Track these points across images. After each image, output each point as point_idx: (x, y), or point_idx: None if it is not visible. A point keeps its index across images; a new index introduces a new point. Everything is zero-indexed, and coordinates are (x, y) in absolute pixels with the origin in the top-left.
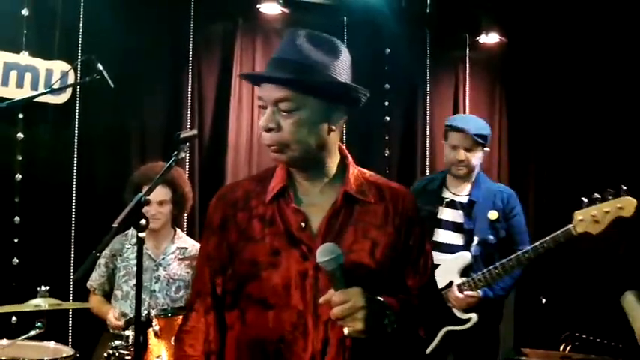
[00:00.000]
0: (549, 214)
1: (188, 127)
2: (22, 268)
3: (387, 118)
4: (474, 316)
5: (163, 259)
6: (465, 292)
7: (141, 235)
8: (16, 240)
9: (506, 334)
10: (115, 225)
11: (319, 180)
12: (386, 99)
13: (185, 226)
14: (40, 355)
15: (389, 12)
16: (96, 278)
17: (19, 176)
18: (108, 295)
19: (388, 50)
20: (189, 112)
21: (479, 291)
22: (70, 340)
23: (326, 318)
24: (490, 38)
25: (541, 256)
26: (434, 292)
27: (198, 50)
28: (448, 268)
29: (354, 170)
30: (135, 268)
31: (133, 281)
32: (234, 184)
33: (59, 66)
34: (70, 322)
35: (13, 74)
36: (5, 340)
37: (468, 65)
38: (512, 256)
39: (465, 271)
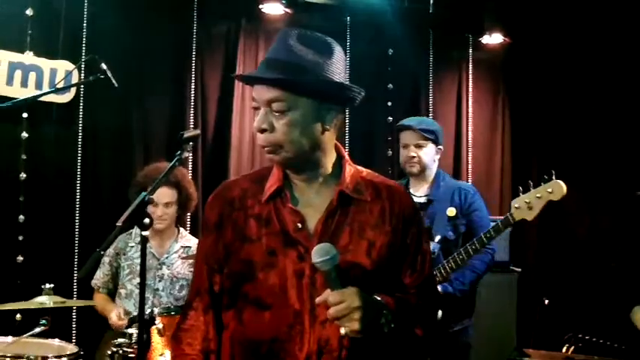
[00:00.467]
0: (553, 214)
1: (191, 126)
2: (27, 265)
3: (390, 118)
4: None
5: (167, 257)
6: None
7: (144, 233)
8: (20, 238)
9: (508, 335)
10: (119, 224)
11: (315, 180)
12: (389, 99)
13: (188, 225)
14: (44, 353)
15: (392, 12)
16: (100, 277)
17: (23, 175)
18: (112, 294)
19: (391, 50)
20: (192, 112)
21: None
22: (74, 337)
23: (323, 318)
24: (493, 38)
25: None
26: (432, 290)
27: (202, 50)
28: None
29: (350, 169)
30: (139, 267)
31: (137, 280)
32: (231, 183)
33: (63, 65)
34: (74, 320)
35: (18, 74)
36: (10, 337)
37: (471, 66)
38: (460, 249)
39: None
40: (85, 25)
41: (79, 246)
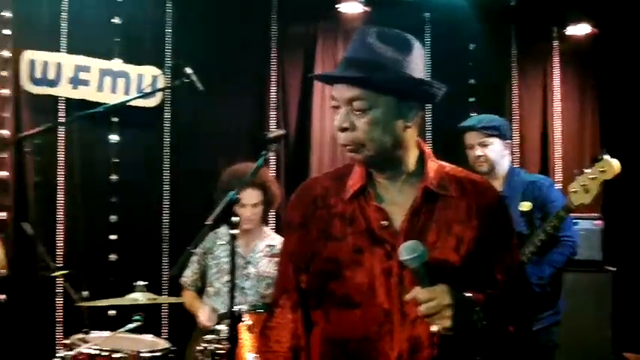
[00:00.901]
0: None
1: (273, 127)
2: (119, 264)
3: (473, 114)
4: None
5: (252, 256)
6: None
7: (234, 232)
8: (112, 237)
9: (603, 338)
10: (208, 222)
11: (398, 177)
12: (471, 95)
13: (272, 224)
14: (138, 348)
15: (472, 6)
16: (189, 275)
17: (114, 177)
18: (200, 292)
19: (472, 45)
20: (273, 113)
21: None
22: (165, 334)
23: (413, 316)
24: (579, 29)
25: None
26: (523, 286)
27: (282, 51)
28: None
29: (433, 165)
30: (226, 266)
31: (225, 278)
32: (312, 181)
33: (149, 71)
34: (165, 316)
35: (107, 80)
36: (106, 332)
37: (557, 59)
38: (528, 243)
39: None
40: (168, 31)
41: (167, 245)
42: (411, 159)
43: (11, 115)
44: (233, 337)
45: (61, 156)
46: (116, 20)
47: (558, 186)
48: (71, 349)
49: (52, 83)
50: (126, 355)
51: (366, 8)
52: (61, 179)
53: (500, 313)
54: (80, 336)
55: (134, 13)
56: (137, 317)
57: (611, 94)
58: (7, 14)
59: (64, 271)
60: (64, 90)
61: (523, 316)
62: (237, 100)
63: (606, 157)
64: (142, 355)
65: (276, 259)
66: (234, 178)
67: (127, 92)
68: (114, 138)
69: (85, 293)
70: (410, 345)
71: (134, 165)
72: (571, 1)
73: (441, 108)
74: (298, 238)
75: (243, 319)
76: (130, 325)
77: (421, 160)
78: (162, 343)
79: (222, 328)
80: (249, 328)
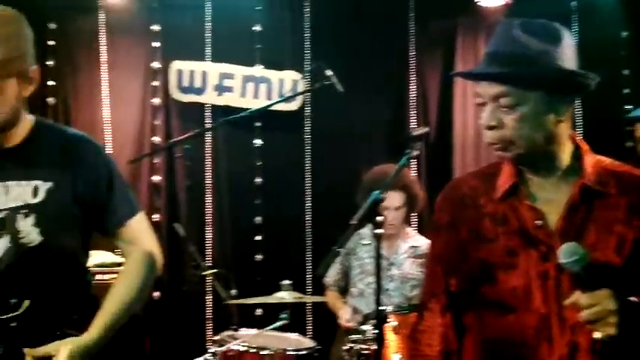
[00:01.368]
0: None
1: (413, 126)
2: (265, 264)
3: (628, 107)
4: None
5: (396, 258)
6: None
7: (379, 231)
8: (258, 238)
9: None
10: (352, 222)
11: (551, 174)
12: (625, 86)
13: (415, 225)
14: (284, 346)
15: None
16: (332, 275)
17: (258, 179)
18: (343, 292)
19: (625, 33)
20: (414, 112)
21: None
22: (310, 333)
23: (572, 322)
24: None
25: None
26: None
27: (421, 49)
28: None
29: (590, 160)
30: (369, 267)
31: (368, 279)
32: (458, 181)
33: (290, 76)
34: (309, 316)
35: (250, 86)
36: (254, 330)
37: None
38: None
39: None
40: (306, 35)
41: (310, 245)
42: (566, 154)
43: (162, 122)
44: (380, 338)
45: (208, 160)
46: (257, 28)
47: None
48: (221, 346)
49: (199, 91)
50: (273, 353)
51: (508, 0)
52: (208, 182)
53: None
54: (229, 333)
55: (273, 21)
56: (284, 315)
57: None
58: (156, 28)
59: (214, 271)
60: (209, 97)
61: None
62: (377, 100)
63: None
64: (288, 353)
65: (420, 261)
66: (376, 180)
67: (268, 97)
68: (257, 142)
69: (234, 292)
70: (569, 350)
71: (277, 168)
72: None
73: (592, 101)
74: (447, 240)
75: (388, 320)
76: (277, 323)
77: (576, 155)
78: (308, 342)
79: (368, 328)
80: (395, 329)
